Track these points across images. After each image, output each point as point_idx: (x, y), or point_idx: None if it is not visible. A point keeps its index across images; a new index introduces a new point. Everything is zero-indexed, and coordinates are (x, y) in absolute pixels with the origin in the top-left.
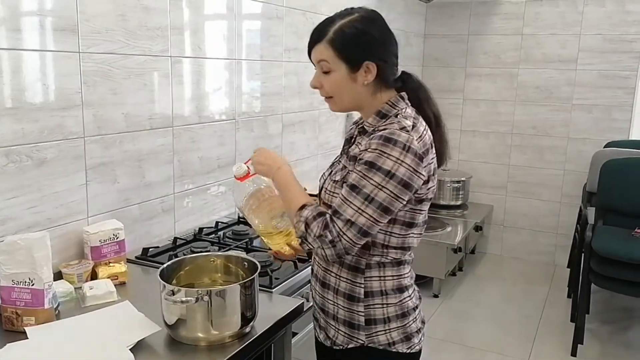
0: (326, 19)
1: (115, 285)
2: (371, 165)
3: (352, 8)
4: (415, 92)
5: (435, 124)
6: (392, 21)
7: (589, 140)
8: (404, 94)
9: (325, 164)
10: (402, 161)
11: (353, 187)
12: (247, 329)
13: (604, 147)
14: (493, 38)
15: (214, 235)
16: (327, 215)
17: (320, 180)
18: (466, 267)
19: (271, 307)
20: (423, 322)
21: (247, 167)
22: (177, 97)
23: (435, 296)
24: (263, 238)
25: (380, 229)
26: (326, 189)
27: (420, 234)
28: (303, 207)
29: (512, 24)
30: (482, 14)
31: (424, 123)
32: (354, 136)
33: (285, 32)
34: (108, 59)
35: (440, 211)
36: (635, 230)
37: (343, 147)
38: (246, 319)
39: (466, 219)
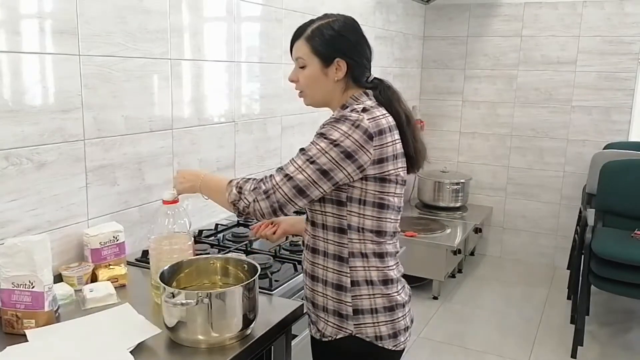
0: (307, 21)
1: (115, 287)
2: (321, 135)
3: (331, 14)
4: (385, 93)
5: (406, 122)
6: (391, 23)
7: (589, 142)
8: (369, 91)
9: None
10: (349, 135)
11: (301, 150)
12: (248, 331)
13: (604, 148)
14: (492, 40)
15: (213, 237)
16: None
17: None
18: (466, 269)
19: (271, 310)
20: (412, 321)
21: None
22: (177, 99)
23: (435, 298)
24: (152, 288)
25: (353, 212)
26: None
27: (396, 220)
28: (230, 181)
29: (511, 25)
30: (481, 15)
31: (382, 111)
32: None
33: (284, 34)
34: (108, 61)
35: (439, 213)
36: (635, 232)
37: None
38: (246, 321)
39: (466, 221)
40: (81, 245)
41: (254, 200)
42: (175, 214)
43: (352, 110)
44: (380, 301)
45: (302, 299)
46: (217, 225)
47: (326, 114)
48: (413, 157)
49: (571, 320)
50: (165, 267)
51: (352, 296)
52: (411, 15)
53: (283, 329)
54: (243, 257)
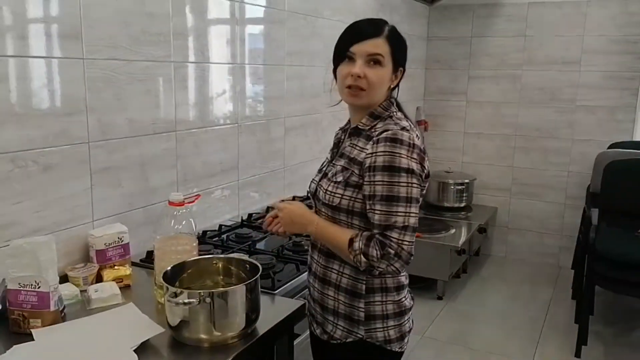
0: (374, 18)
1: (120, 287)
2: (390, 169)
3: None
4: (396, 100)
5: None
6: (395, 24)
7: (593, 142)
8: (393, 99)
9: None
10: (411, 157)
11: (389, 198)
12: (250, 330)
13: (608, 148)
14: (496, 40)
15: (217, 238)
16: (376, 234)
17: (310, 185)
18: (470, 269)
19: (274, 309)
20: (413, 322)
21: (183, 198)
22: (180, 102)
23: (439, 298)
24: (156, 288)
25: None
26: (326, 190)
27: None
28: (351, 242)
29: (515, 25)
30: (485, 16)
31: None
32: (342, 139)
33: (287, 36)
34: (112, 64)
35: (444, 213)
36: (639, 231)
37: (332, 150)
38: (249, 321)
39: (470, 221)
40: (86, 247)
41: (387, 265)
42: (181, 215)
43: (402, 129)
44: (391, 307)
45: (305, 299)
46: (220, 226)
47: (328, 115)
48: None
49: (575, 320)
50: (168, 268)
51: (366, 302)
52: (415, 15)
53: (286, 328)
54: (245, 257)
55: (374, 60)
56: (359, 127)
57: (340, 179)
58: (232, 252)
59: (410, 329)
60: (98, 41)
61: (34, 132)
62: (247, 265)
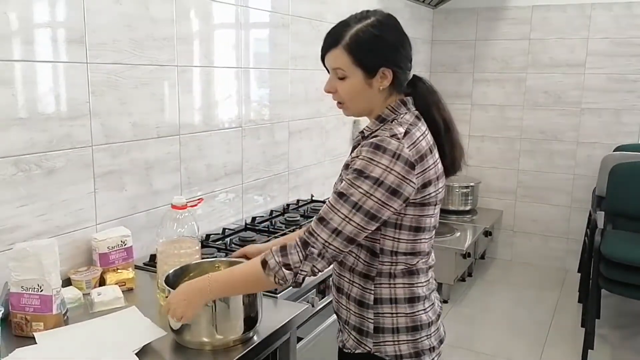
0: (340, 22)
1: (123, 291)
2: (360, 172)
3: (367, 11)
4: (424, 97)
5: (445, 129)
6: None
7: (598, 145)
8: (408, 98)
9: (332, 170)
10: (392, 169)
11: (341, 195)
12: (251, 334)
13: (614, 151)
14: (500, 43)
15: (220, 241)
16: (301, 232)
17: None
18: (476, 272)
19: (276, 312)
20: (441, 341)
21: (186, 201)
22: (184, 105)
23: (445, 302)
24: (159, 291)
25: (387, 236)
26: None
27: (431, 238)
28: (264, 264)
29: (519, 29)
30: (489, 19)
31: (422, 129)
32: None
33: (291, 40)
34: (115, 69)
35: (449, 216)
36: None
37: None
38: (251, 324)
39: (475, 224)
40: (90, 250)
41: (311, 269)
42: (183, 219)
43: (392, 136)
44: (403, 320)
45: (307, 303)
46: (224, 229)
47: (332, 118)
48: (447, 168)
49: (582, 324)
50: (170, 271)
51: (375, 313)
52: (419, 19)
53: (288, 332)
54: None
55: (338, 74)
56: (364, 131)
57: (337, 187)
58: None
59: (433, 348)
60: (102, 45)
61: (37, 135)
62: None
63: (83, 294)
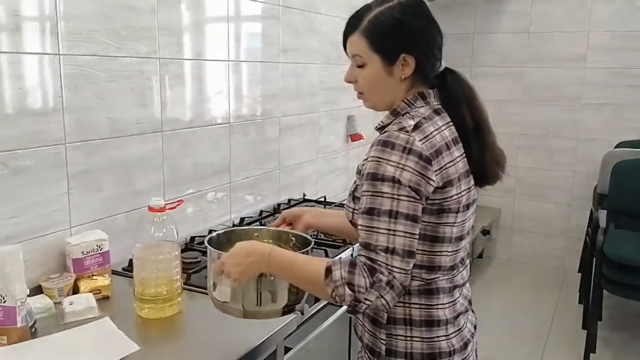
0: (363, 6)
1: (98, 299)
2: (374, 177)
3: None
4: (452, 91)
5: (473, 128)
6: None
7: (600, 141)
8: (430, 91)
9: (325, 168)
10: (404, 165)
11: (370, 211)
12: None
13: (615, 147)
14: (499, 37)
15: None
16: (361, 258)
17: None
18: (474, 272)
19: (263, 323)
20: None
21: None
22: (167, 100)
23: None
24: (135, 300)
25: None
26: (346, 205)
27: (456, 250)
28: (328, 271)
29: (519, 22)
30: (488, 12)
31: (438, 123)
32: None
33: (282, 32)
34: (91, 61)
35: None
36: None
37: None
38: (292, 298)
39: (473, 223)
40: (63, 255)
41: (377, 297)
42: (162, 222)
43: (400, 129)
44: (419, 346)
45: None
46: (210, 231)
47: (324, 114)
48: (478, 174)
49: (583, 326)
50: (213, 235)
51: (387, 334)
52: None
53: (274, 343)
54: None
55: (357, 62)
56: (378, 125)
57: (352, 190)
58: None
59: None
60: (75, 36)
61: (4, 132)
62: (294, 239)
63: (54, 303)
